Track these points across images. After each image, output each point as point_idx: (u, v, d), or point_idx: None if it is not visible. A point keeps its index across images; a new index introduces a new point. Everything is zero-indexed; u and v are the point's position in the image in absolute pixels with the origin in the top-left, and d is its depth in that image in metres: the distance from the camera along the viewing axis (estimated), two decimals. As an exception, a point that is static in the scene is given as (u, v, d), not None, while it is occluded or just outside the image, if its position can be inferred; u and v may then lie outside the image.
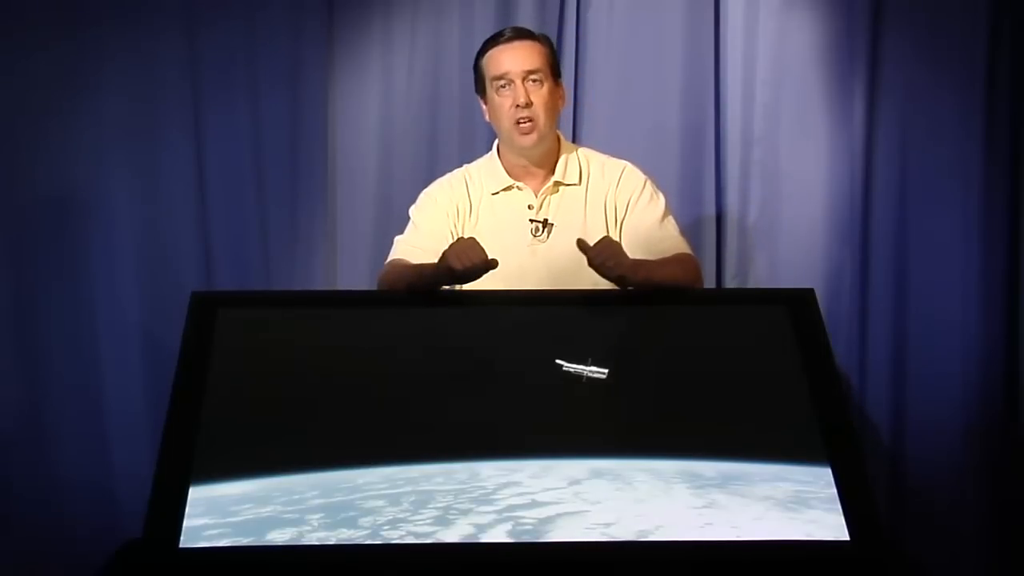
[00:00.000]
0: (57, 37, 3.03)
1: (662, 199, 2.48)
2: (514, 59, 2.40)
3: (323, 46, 3.13)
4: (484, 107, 2.48)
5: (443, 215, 2.44)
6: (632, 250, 2.27)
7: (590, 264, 2.17)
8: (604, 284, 2.28)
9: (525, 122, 2.38)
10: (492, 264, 2.14)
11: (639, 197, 2.46)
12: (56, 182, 3.07)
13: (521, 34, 2.46)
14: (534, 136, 2.39)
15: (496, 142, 2.53)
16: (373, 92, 3.18)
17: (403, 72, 3.17)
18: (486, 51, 2.45)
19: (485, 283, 2.26)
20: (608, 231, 2.42)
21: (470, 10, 3.14)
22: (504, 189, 2.46)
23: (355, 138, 3.17)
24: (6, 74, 3.02)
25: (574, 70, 3.16)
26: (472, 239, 2.20)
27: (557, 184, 2.45)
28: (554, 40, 3.15)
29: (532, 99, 2.38)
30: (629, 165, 2.51)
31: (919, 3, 3.15)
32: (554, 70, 2.46)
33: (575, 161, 2.49)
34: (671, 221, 2.48)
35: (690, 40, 3.17)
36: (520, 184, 2.46)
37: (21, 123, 3.04)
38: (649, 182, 2.49)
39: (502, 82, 2.39)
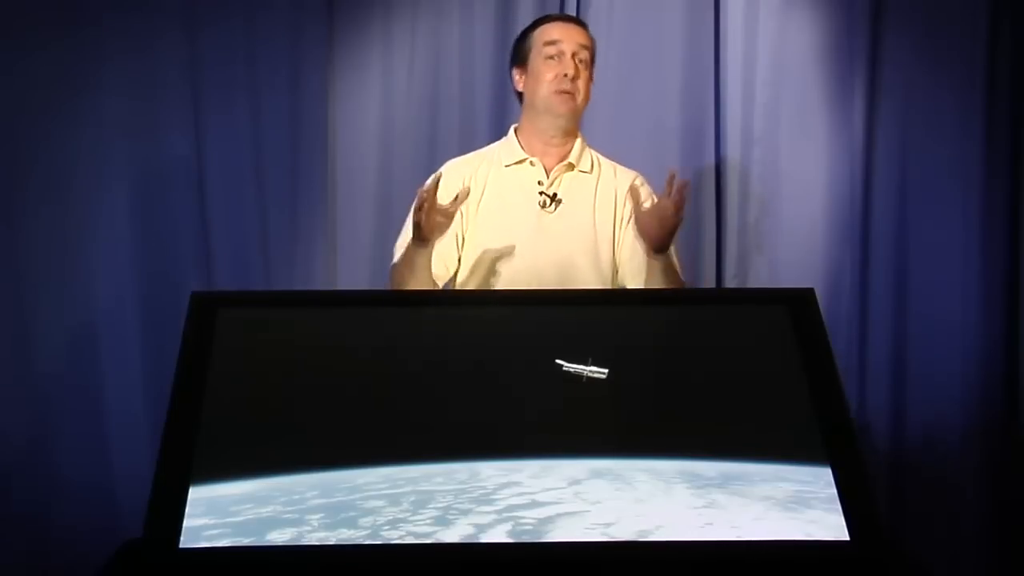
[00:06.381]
0: (57, 37, 3.03)
1: None
2: (568, 32, 2.46)
3: (323, 46, 3.13)
4: (518, 78, 2.50)
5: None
6: (631, 259, 2.41)
7: (659, 207, 2.24)
8: (604, 266, 2.41)
9: (567, 90, 2.42)
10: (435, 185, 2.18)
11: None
12: (56, 182, 3.07)
13: (573, 18, 2.59)
14: (572, 104, 2.44)
15: (513, 127, 2.54)
16: (373, 92, 3.18)
17: (403, 72, 3.17)
18: (538, 25, 2.50)
19: (492, 248, 2.37)
20: (615, 222, 2.47)
21: (470, 10, 3.15)
22: (517, 162, 2.49)
23: (355, 138, 3.17)
24: (6, 74, 3.02)
25: (574, 70, 3.16)
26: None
27: (571, 165, 2.49)
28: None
29: (578, 73, 2.42)
30: (641, 176, 2.53)
31: (919, 3, 3.15)
32: (593, 61, 2.50)
33: (588, 154, 2.53)
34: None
35: (690, 40, 3.18)
36: (533, 159, 2.48)
37: (21, 123, 3.04)
38: (655, 197, 2.49)
39: (552, 51, 2.43)
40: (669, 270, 2.35)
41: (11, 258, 3.05)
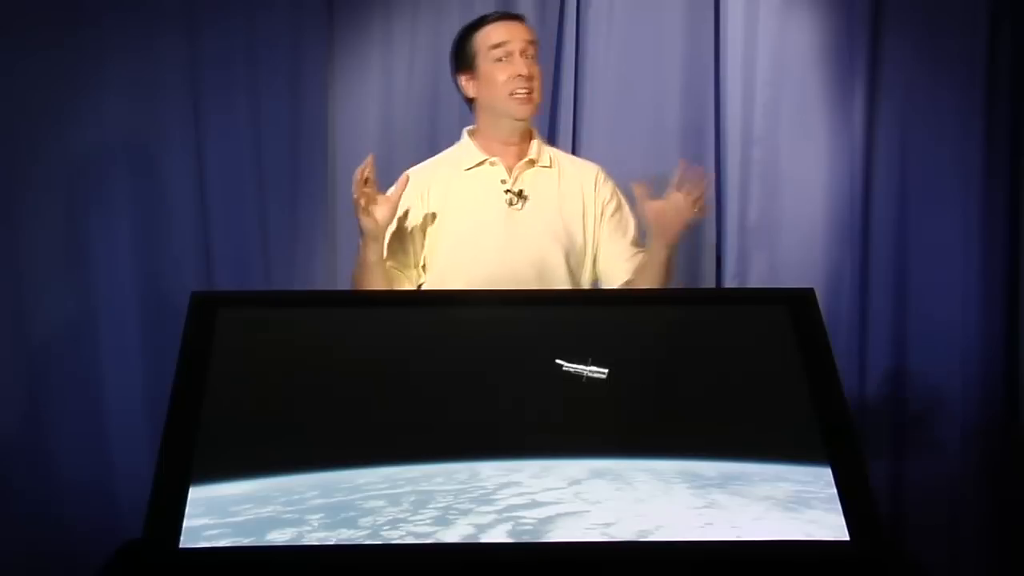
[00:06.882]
0: (57, 37, 3.03)
1: (632, 222, 2.50)
2: (512, 31, 2.43)
3: (323, 46, 3.13)
4: (466, 84, 2.48)
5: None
6: (617, 256, 2.47)
7: (674, 201, 2.30)
8: (576, 258, 2.43)
9: (524, 92, 2.40)
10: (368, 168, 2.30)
11: (613, 212, 2.50)
12: (56, 182, 3.07)
13: (512, 15, 2.52)
14: (530, 106, 2.43)
15: (466, 130, 2.53)
16: (373, 92, 3.18)
17: (403, 72, 3.17)
18: (477, 28, 2.45)
19: (462, 251, 2.38)
20: (583, 215, 2.47)
21: (470, 10, 3.14)
22: (477, 164, 2.48)
23: (355, 138, 3.17)
24: (6, 74, 3.02)
25: (574, 70, 3.16)
26: None
27: (532, 162, 2.48)
28: (554, 40, 3.17)
29: (531, 72, 2.41)
30: (600, 168, 2.55)
31: (919, 3, 3.15)
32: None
33: (546, 150, 2.53)
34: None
35: (690, 40, 3.18)
36: (493, 159, 2.47)
37: (21, 123, 3.04)
38: (618, 192, 2.52)
39: (500, 53, 2.40)
40: (670, 263, 2.38)
41: (11, 258, 3.05)
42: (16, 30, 3.01)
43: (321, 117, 3.14)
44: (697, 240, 3.18)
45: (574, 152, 3.14)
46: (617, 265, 2.47)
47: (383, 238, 2.36)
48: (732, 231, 3.18)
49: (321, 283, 3.13)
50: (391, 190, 2.40)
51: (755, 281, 3.17)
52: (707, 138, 3.20)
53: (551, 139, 3.16)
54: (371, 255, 2.36)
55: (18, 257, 3.06)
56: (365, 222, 2.33)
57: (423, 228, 2.44)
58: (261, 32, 3.11)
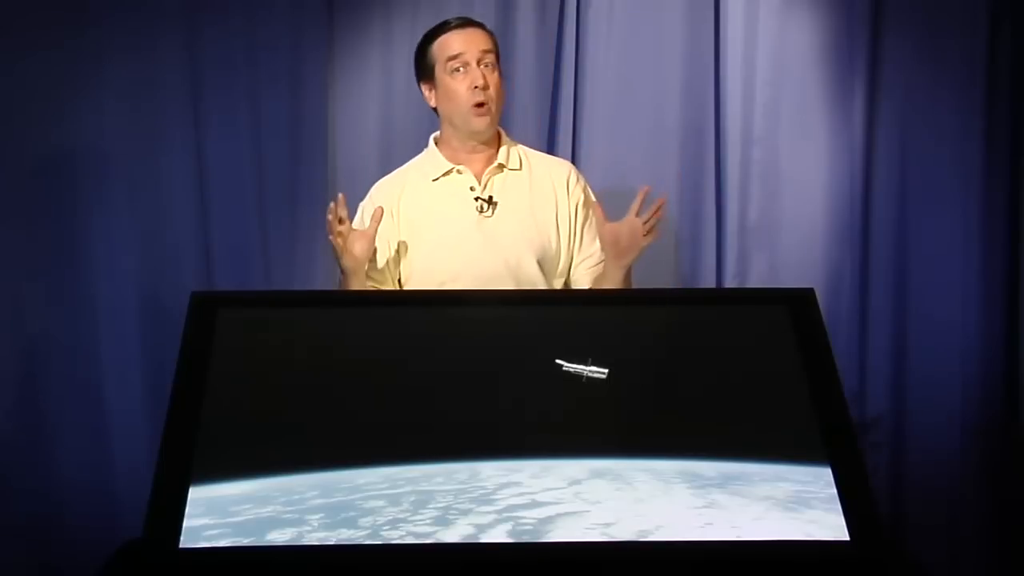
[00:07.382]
0: (57, 37, 3.03)
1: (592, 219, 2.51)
2: (468, 41, 2.42)
3: (323, 46, 3.13)
4: (428, 94, 2.49)
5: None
6: (590, 260, 2.48)
7: (631, 225, 2.31)
8: (550, 261, 2.43)
9: (481, 104, 2.40)
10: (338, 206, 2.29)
11: (587, 216, 2.49)
12: (56, 182, 3.07)
13: (469, 22, 2.49)
14: (487, 118, 2.42)
15: (432, 137, 2.54)
16: (373, 92, 3.18)
17: (403, 72, 3.16)
18: (435, 37, 2.45)
19: (435, 262, 2.39)
20: (556, 214, 2.46)
21: (470, 10, 3.14)
22: (444, 174, 2.47)
23: (355, 138, 3.17)
24: (6, 74, 3.02)
25: (574, 70, 3.16)
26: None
27: (500, 166, 2.48)
28: (554, 40, 3.17)
29: (487, 82, 2.41)
30: (573, 166, 2.57)
31: (919, 3, 3.15)
32: (499, 59, 2.48)
33: (516, 152, 2.52)
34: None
35: (690, 40, 3.18)
36: (461, 167, 2.47)
37: (21, 123, 3.04)
38: (590, 192, 2.53)
39: (456, 64, 2.40)
40: (625, 283, 2.38)
41: (11, 258, 3.05)
42: (16, 30, 3.01)
43: (321, 117, 3.14)
44: (697, 240, 3.18)
45: (574, 152, 3.14)
46: (581, 268, 2.48)
47: (363, 272, 2.37)
48: (732, 231, 3.18)
49: (321, 283, 3.13)
50: (358, 220, 2.41)
51: (755, 281, 3.17)
52: (707, 138, 3.20)
53: (551, 139, 3.16)
54: (354, 286, 2.37)
55: (18, 257, 3.06)
56: (345, 261, 2.34)
57: (397, 243, 2.44)
58: (261, 32, 3.11)
